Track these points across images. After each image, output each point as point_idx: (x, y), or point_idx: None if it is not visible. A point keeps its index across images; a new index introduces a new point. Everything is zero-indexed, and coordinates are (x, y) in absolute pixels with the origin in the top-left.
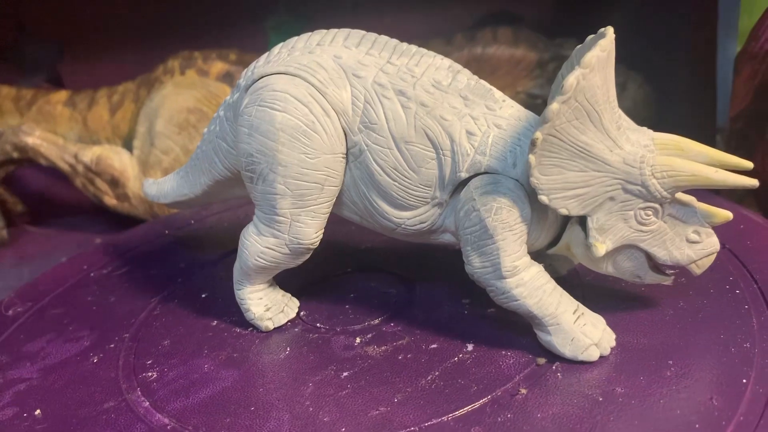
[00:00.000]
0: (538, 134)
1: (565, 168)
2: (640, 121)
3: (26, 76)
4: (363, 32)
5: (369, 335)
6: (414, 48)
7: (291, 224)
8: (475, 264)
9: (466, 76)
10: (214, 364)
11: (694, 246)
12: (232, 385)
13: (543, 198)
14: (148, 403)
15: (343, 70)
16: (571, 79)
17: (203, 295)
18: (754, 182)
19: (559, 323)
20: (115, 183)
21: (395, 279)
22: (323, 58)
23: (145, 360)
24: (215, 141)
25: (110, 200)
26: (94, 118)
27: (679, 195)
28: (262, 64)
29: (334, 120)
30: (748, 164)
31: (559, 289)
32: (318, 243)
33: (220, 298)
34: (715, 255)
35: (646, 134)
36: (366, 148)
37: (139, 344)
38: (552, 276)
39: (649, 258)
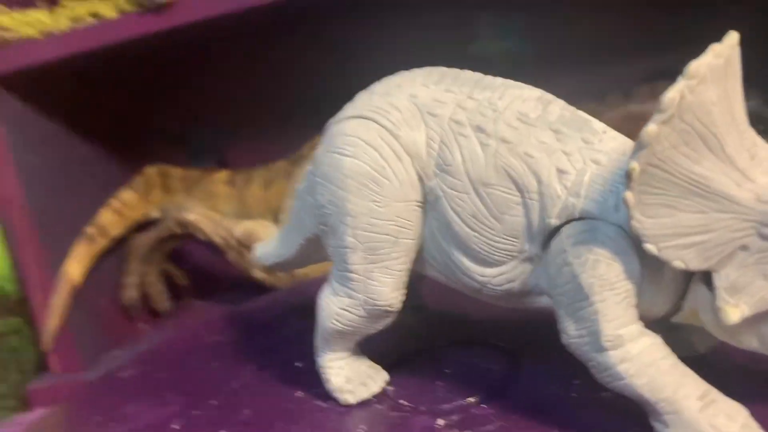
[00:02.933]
0: (634, 164)
1: (676, 208)
2: None
3: (196, 159)
4: (446, 69)
5: (455, 417)
6: (500, 80)
7: (365, 282)
8: (570, 332)
9: (558, 107)
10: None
11: None
12: None
13: (650, 247)
14: None
15: (419, 109)
16: (672, 93)
17: (298, 365)
18: None
19: (679, 411)
20: None
21: (500, 354)
22: (399, 99)
23: (221, 428)
24: (304, 197)
25: (258, 273)
26: (250, 195)
27: None
28: (342, 111)
29: (407, 164)
30: None
31: (682, 367)
32: (397, 305)
33: (312, 369)
34: None
35: None
36: (442, 194)
37: (221, 411)
38: (685, 354)
39: None
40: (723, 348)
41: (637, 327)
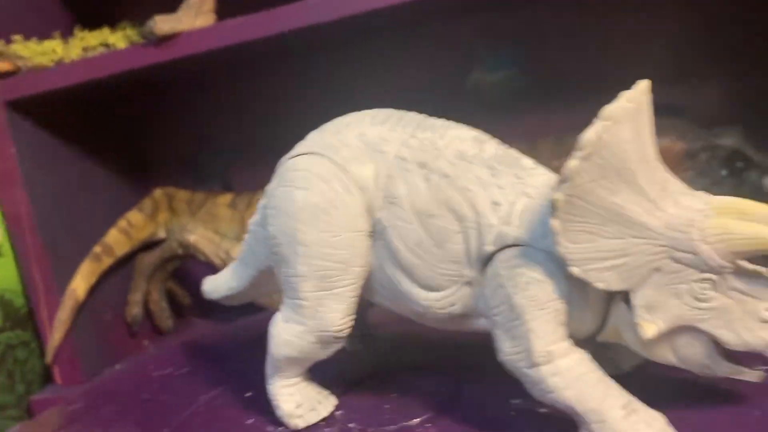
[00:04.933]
0: (558, 195)
1: (597, 234)
2: None
3: (203, 182)
4: (392, 110)
5: None
6: (440, 122)
7: (316, 309)
8: (506, 349)
9: (493, 146)
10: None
11: None
12: None
13: (575, 270)
14: None
15: (367, 147)
16: (590, 133)
17: (248, 394)
18: None
19: (605, 420)
20: None
21: (445, 377)
22: (348, 137)
23: None
24: (257, 230)
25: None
26: (251, 218)
27: (745, 264)
28: (294, 148)
29: (357, 197)
30: None
31: (608, 380)
32: (347, 330)
33: (264, 396)
34: None
35: (702, 198)
36: (388, 224)
37: None
38: (611, 372)
39: (719, 343)
40: (646, 366)
41: (566, 344)
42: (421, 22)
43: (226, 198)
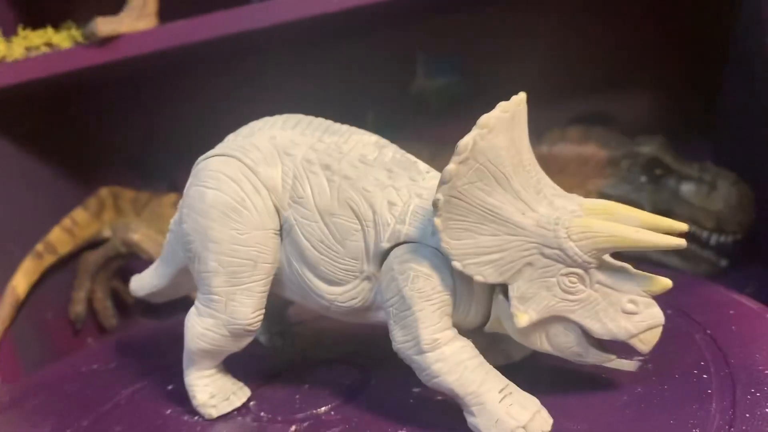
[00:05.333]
0: (439, 195)
1: (475, 232)
2: (737, 225)
3: (149, 182)
4: (302, 116)
5: (306, 423)
6: (345, 127)
7: (227, 303)
8: (398, 338)
9: (391, 151)
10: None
11: (632, 318)
12: None
13: (456, 264)
14: None
15: (276, 149)
16: (467, 139)
17: (169, 387)
18: (680, 242)
19: (483, 402)
20: None
21: (354, 369)
22: (260, 140)
23: None
24: (176, 229)
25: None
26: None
27: (609, 260)
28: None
29: (265, 197)
30: (683, 226)
31: (487, 366)
32: (257, 324)
33: (184, 389)
34: (659, 329)
35: (575, 201)
36: (295, 222)
37: (92, 429)
38: (503, 362)
39: (588, 333)
40: (534, 356)
41: (451, 332)
42: (365, 30)
43: (170, 198)
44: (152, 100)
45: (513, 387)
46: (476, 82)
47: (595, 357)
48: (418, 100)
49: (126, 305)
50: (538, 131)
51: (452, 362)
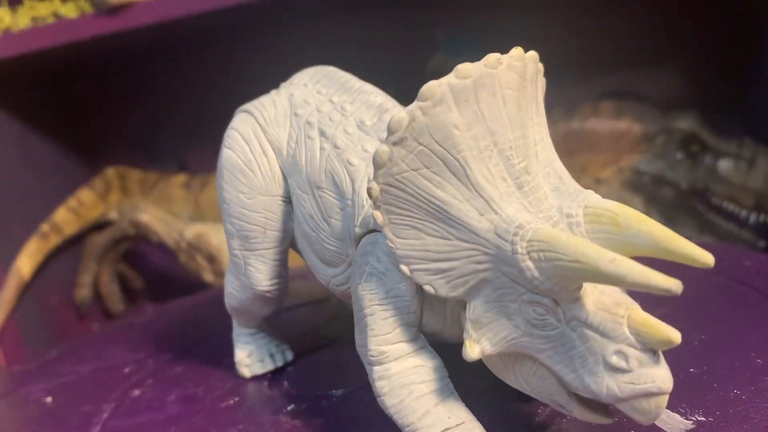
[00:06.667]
0: (373, 183)
1: (422, 231)
2: None
3: (157, 162)
4: (330, 69)
5: (334, 399)
6: (358, 84)
7: (245, 267)
8: (357, 339)
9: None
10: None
11: (618, 377)
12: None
13: (403, 268)
14: None
15: (290, 108)
16: (400, 114)
17: (178, 369)
18: (672, 288)
19: None
20: (212, 259)
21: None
22: (281, 96)
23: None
24: None
25: (208, 276)
26: (205, 199)
27: (592, 288)
28: None
29: (272, 160)
30: (708, 259)
31: (444, 395)
32: (275, 292)
33: (192, 372)
34: (661, 397)
35: (582, 199)
36: (294, 192)
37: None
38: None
39: None
40: None
41: (409, 346)
42: (383, 5)
43: (180, 178)
44: (162, 76)
45: (472, 426)
46: None
47: (584, 415)
48: (437, 77)
49: (132, 290)
50: (567, 107)
51: (396, 383)
